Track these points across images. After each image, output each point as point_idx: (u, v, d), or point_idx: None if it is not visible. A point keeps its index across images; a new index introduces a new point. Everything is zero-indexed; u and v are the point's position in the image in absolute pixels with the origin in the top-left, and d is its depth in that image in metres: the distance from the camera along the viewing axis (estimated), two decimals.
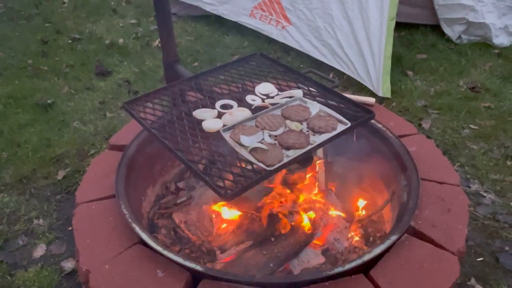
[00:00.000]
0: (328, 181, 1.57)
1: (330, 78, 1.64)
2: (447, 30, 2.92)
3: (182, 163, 1.13)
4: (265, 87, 1.51)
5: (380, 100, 2.33)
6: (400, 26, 2.98)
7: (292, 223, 1.43)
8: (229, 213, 1.45)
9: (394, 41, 2.88)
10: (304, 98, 1.44)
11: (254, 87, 1.52)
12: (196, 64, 2.67)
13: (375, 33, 2.39)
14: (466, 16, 2.80)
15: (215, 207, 1.47)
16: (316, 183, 1.56)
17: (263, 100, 1.45)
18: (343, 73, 2.52)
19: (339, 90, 2.45)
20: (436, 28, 2.98)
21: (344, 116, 1.35)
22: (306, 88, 1.50)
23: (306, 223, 1.44)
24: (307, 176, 1.57)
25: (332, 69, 2.56)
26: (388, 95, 2.34)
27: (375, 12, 2.40)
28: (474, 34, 2.87)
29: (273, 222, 1.42)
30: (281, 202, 1.48)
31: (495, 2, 2.78)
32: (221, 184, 1.06)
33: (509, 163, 1.95)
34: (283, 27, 2.74)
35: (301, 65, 2.65)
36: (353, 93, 2.39)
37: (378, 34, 2.38)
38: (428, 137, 2.11)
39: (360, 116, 1.35)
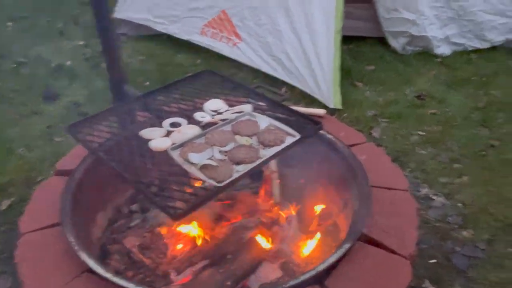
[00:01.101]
0: (282, 194, 1.57)
1: (279, 92, 1.66)
2: (392, 42, 3.05)
3: (130, 185, 1.10)
4: (215, 104, 1.51)
5: (332, 111, 2.38)
6: (348, 40, 3.08)
7: (248, 239, 1.42)
8: (183, 233, 1.42)
9: (343, 54, 2.97)
10: (253, 113, 1.44)
11: (203, 104, 1.51)
12: (147, 83, 2.64)
13: (323, 46, 2.46)
14: (409, 29, 2.93)
15: (169, 228, 1.44)
16: (271, 196, 1.56)
17: (212, 116, 1.45)
18: (295, 87, 2.56)
19: (291, 103, 2.49)
20: (382, 40, 3.10)
21: (293, 129, 1.36)
22: (255, 103, 1.51)
23: (262, 237, 1.43)
24: (261, 189, 1.57)
25: (285, 83, 2.60)
26: (339, 106, 2.40)
27: (321, 26, 2.47)
28: (418, 45, 3.01)
29: (229, 239, 1.40)
30: (236, 218, 1.46)
31: (437, 13, 2.92)
32: (170, 204, 1.04)
33: (456, 166, 2.03)
34: (234, 44, 2.77)
35: (254, 80, 2.68)
36: (306, 106, 2.43)
37: (326, 47, 2.45)
38: (378, 145, 2.18)
39: (308, 128, 1.37)
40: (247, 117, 1.41)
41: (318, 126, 1.38)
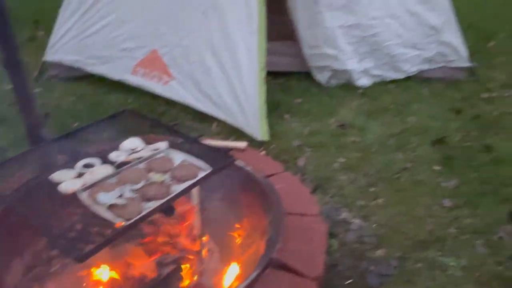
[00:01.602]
0: (203, 226, 1.62)
1: (202, 128, 1.73)
2: (317, 76, 3.25)
3: (36, 230, 1.12)
4: (132, 143, 1.56)
5: (260, 143, 2.49)
6: (279, 75, 3.26)
7: (168, 274, 1.45)
8: (101, 274, 1.42)
9: (274, 89, 3.14)
10: (169, 150, 1.51)
11: (120, 144, 1.56)
12: (76, 124, 2.64)
13: (249, 82, 2.58)
14: (331, 64, 3.14)
15: (87, 271, 1.44)
16: (191, 229, 1.61)
17: (128, 155, 1.49)
18: (226, 121, 2.65)
19: (221, 137, 2.58)
20: (309, 74, 3.29)
21: (206, 163, 1.43)
22: (172, 140, 1.57)
23: (182, 273, 1.47)
24: (182, 223, 1.62)
25: (216, 118, 2.69)
26: (267, 138, 2.51)
27: (246, 64, 2.60)
28: (340, 78, 3.22)
29: (148, 276, 1.43)
30: (155, 254, 1.49)
31: (354, 48, 3.16)
32: (76, 246, 1.07)
33: (372, 189, 2.18)
34: (165, 82, 2.84)
35: (186, 117, 2.75)
36: (236, 139, 2.53)
37: (252, 83, 2.58)
38: (303, 173, 2.30)
39: (221, 161, 1.45)
40: (162, 154, 1.48)
41: (229, 159, 1.47)
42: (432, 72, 3.24)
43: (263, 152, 2.46)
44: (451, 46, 3.17)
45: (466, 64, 3.23)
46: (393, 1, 3.04)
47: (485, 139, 2.53)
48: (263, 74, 2.62)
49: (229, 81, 2.63)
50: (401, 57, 3.17)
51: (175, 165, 1.44)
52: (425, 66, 3.24)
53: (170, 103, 2.82)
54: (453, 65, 3.23)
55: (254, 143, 2.48)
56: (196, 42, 2.76)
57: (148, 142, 1.57)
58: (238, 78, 2.62)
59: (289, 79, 3.28)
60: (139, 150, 1.51)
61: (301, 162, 2.40)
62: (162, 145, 1.52)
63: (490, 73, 3.30)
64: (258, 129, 2.52)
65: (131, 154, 1.50)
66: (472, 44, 3.73)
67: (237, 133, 2.60)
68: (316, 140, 2.59)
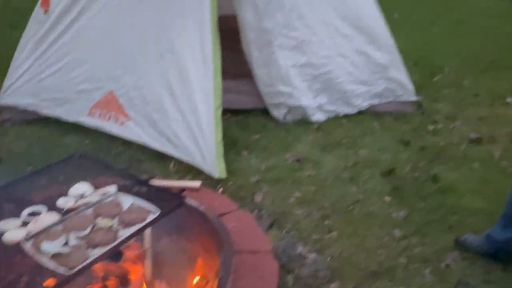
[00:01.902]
0: (155, 269, 1.62)
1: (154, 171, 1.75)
2: (274, 112, 3.34)
3: None
4: (80, 187, 1.56)
5: (218, 181, 2.52)
6: (237, 112, 3.34)
7: None
8: None
9: (232, 126, 3.21)
10: (118, 193, 1.51)
11: (68, 189, 1.55)
12: (30, 168, 2.59)
13: (205, 121, 2.63)
14: (287, 101, 3.25)
15: None
16: (143, 274, 1.60)
17: (76, 201, 1.49)
18: (183, 160, 2.67)
19: (179, 176, 2.60)
20: (266, 111, 3.38)
21: (156, 205, 1.45)
22: (122, 183, 1.58)
23: None
24: (133, 267, 1.60)
25: (173, 158, 2.71)
26: (224, 176, 2.55)
27: (202, 103, 2.66)
28: (296, 114, 3.33)
29: None
30: None
31: (308, 86, 3.29)
32: None
33: (326, 222, 2.24)
34: (122, 123, 2.85)
35: (143, 157, 2.76)
36: (193, 178, 2.55)
37: (208, 122, 2.63)
38: (260, 209, 2.33)
39: (170, 203, 1.47)
40: (111, 198, 1.48)
41: (179, 201, 1.49)
42: (382, 106, 3.41)
43: (221, 190, 2.49)
44: (398, 82, 3.36)
45: (413, 98, 3.42)
46: (342, 41, 3.21)
47: (432, 169, 2.66)
48: (219, 112, 2.69)
49: (185, 120, 2.68)
50: (352, 93, 3.33)
51: (124, 209, 1.45)
52: (375, 101, 3.40)
53: (127, 144, 2.82)
54: (401, 99, 3.41)
55: (211, 181, 2.51)
56: (153, 82, 2.80)
57: (98, 186, 1.57)
58: (194, 117, 2.67)
59: (247, 116, 3.36)
60: (88, 195, 1.52)
61: (258, 197, 2.44)
62: (111, 189, 1.53)
63: (436, 105, 3.50)
64: (215, 167, 2.55)
65: (79, 199, 1.50)
66: (419, 78, 3.98)
67: (194, 171, 2.62)
68: (273, 175, 2.65)
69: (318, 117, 3.33)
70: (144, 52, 2.85)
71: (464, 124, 3.21)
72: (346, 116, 3.36)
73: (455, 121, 3.28)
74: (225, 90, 2.84)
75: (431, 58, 4.54)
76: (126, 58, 2.89)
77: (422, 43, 5.15)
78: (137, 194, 1.50)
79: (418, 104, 3.44)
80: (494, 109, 3.52)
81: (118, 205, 1.44)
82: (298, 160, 2.83)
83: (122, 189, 1.52)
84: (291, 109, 3.30)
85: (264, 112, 3.38)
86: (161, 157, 2.73)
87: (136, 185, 1.56)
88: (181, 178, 2.58)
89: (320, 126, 3.26)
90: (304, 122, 3.30)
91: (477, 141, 2.99)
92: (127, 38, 2.89)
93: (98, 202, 1.44)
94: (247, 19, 3.13)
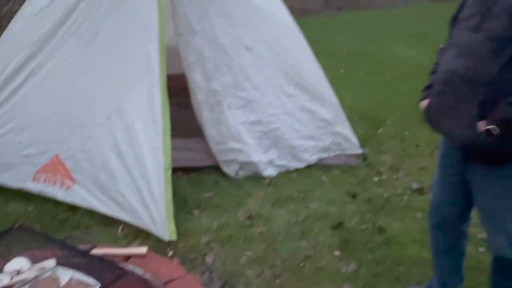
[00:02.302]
0: None
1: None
2: (226, 169, 3.38)
3: None
4: (17, 263, 1.50)
5: (167, 243, 2.48)
6: (189, 170, 3.35)
7: None
8: None
9: (183, 184, 3.21)
10: (56, 268, 1.47)
11: (4, 265, 1.49)
12: None
13: (155, 182, 2.63)
14: (238, 157, 3.32)
15: None
16: None
17: (12, 278, 1.43)
18: (132, 224, 2.62)
19: (127, 240, 2.53)
20: (218, 168, 3.42)
21: (97, 278, 1.41)
22: (61, 256, 1.54)
23: None
24: None
25: (122, 221, 2.65)
26: (174, 237, 2.51)
27: (151, 164, 2.66)
28: (248, 170, 3.39)
29: None
30: None
31: (258, 142, 3.38)
32: None
33: (277, 281, 2.24)
34: (68, 187, 2.79)
35: (90, 222, 2.68)
36: (142, 241, 2.50)
37: (158, 182, 2.62)
38: (211, 271, 2.30)
39: (112, 275, 1.44)
40: (48, 273, 1.43)
41: (120, 271, 1.47)
42: (330, 159, 3.54)
43: (171, 253, 2.45)
44: (343, 136, 3.52)
45: (359, 151, 3.58)
46: (287, 100, 3.36)
47: (378, 220, 2.76)
48: (169, 172, 2.69)
49: (134, 182, 2.66)
50: (300, 148, 3.44)
51: (61, 284, 1.40)
52: (323, 155, 3.53)
53: (74, 209, 2.75)
54: (347, 152, 3.56)
55: (161, 244, 2.47)
56: (100, 144, 2.79)
57: (35, 260, 1.52)
58: (143, 179, 2.65)
59: (199, 174, 3.38)
60: (24, 271, 1.46)
61: (209, 259, 2.41)
62: (49, 263, 1.49)
63: (380, 157, 3.67)
64: (165, 229, 2.52)
65: (15, 276, 1.44)
66: (364, 131, 4.19)
67: (144, 234, 2.57)
68: (225, 234, 2.64)
69: (269, 172, 3.40)
70: (91, 114, 2.85)
71: (406, 175, 3.38)
72: (297, 170, 3.45)
73: (398, 171, 3.44)
74: (176, 149, 2.87)
75: (375, 111, 4.81)
76: (73, 120, 2.87)
77: (366, 97, 5.47)
78: (77, 267, 1.46)
79: (363, 157, 3.60)
80: (433, 158, 3.72)
81: (56, 280, 1.39)
82: (250, 217, 2.85)
83: (61, 262, 1.47)
84: (242, 165, 3.36)
85: (216, 169, 3.41)
86: (110, 221, 2.67)
87: (76, 256, 1.52)
88: (130, 242, 2.52)
89: (272, 181, 3.32)
90: (256, 177, 3.36)
91: (419, 190, 3.14)
92: (74, 100, 2.89)
93: (34, 278, 1.39)
94: (196, 80, 3.24)
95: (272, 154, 3.43)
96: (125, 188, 2.67)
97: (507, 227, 1.66)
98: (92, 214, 2.71)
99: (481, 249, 2.42)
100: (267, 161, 3.41)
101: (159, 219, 2.56)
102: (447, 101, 1.65)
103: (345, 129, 3.54)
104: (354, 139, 3.56)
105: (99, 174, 2.75)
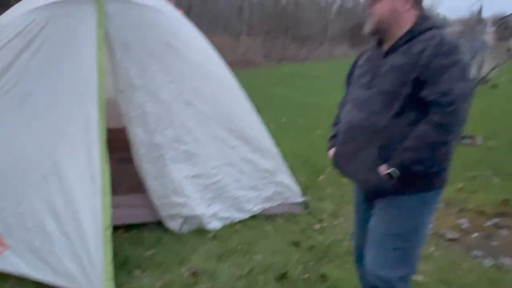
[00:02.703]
0: None
1: None
2: (169, 224, 3.34)
3: None
4: None
5: None
6: (130, 227, 3.26)
7: None
8: None
9: (124, 243, 3.11)
10: None
11: None
12: None
13: (93, 244, 2.54)
14: (181, 211, 3.29)
15: None
16: None
17: None
18: None
19: None
20: (161, 223, 3.36)
21: None
22: None
23: None
24: None
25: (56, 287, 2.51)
26: None
27: (90, 225, 2.58)
28: (192, 224, 3.36)
29: None
30: None
31: (201, 195, 3.39)
32: None
33: None
34: None
35: None
36: None
37: (96, 244, 2.53)
38: None
39: None
40: None
41: None
42: (273, 209, 3.60)
43: None
44: (285, 185, 3.62)
45: (300, 199, 3.69)
46: (229, 152, 3.44)
47: (320, 268, 2.81)
48: (109, 232, 2.62)
49: (71, 245, 2.55)
50: (243, 199, 3.49)
51: None
52: (267, 204, 3.59)
53: (3, 277, 2.57)
54: (290, 201, 3.65)
55: None
56: (35, 207, 2.67)
57: None
58: (81, 241, 2.55)
59: (141, 231, 3.30)
60: None
61: None
62: None
63: (321, 204, 3.79)
64: None
65: None
66: (305, 179, 4.33)
67: None
68: None
69: (214, 225, 3.39)
70: (25, 175, 2.74)
71: (346, 220, 3.50)
72: (241, 221, 3.47)
73: (338, 217, 3.56)
74: (117, 206, 2.81)
75: (315, 158, 5.00)
76: (5, 182, 2.74)
77: (307, 144, 5.69)
78: None
79: (305, 204, 3.70)
80: None
81: None
82: (194, 273, 2.80)
83: None
84: (186, 219, 3.33)
85: (159, 224, 3.35)
86: None
87: None
88: None
89: (216, 234, 3.31)
90: (200, 231, 3.33)
91: None
92: (6, 161, 2.78)
93: None
94: (138, 135, 3.24)
95: (216, 207, 3.44)
96: (62, 252, 2.55)
97: (389, 254, 1.85)
98: (24, 281, 2.55)
99: None
100: (211, 214, 3.41)
101: (97, 282, 2.45)
102: (350, 148, 1.86)
103: (286, 178, 3.65)
104: (295, 188, 3.67)
105: (33, 239, 2.61)
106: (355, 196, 2.10)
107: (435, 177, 1.80)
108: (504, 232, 3.45)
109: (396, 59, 1.76)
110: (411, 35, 1.76)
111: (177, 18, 3.55)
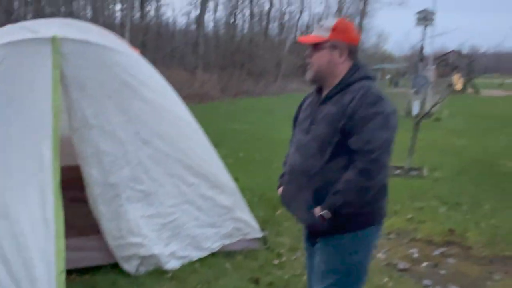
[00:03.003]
0: None
1: None
2: (125, 266, 3.25)
3: None
4: None
5: None
6: (84, 271, 3.15)
7: None
8: None
9: (77, 287, 2.99)
10: None
11: None
12: None
13: None
14: (138, 251, 3.23)
15: None
16: None
17: None
18: None
19: None
20: (117, 265, 3.27)
21: None
22: None
23: None
24: None
25: None
26: None
27: (42, 271, 2.49)
28: (149, 264, 3.29)
29: None
30: None
31: (158, 235, 3.34)
32: None
33: None
34: None
35: None
36: None
37: None
38: None
39: None
40: None
41: None
42: (232, 245, 3.61)
43: None
44: (243, 221, 3.65)
45: (259, 234, 3.72)
46: (187, 189, 3.44)
47: None
48: (63, 276, 2.53)
49: None
50: (202, 236, 3.47)
51: None
52: (226, 241, 3.59)
53: None
54: (248, 237, 3.67)
55: None
56: None
57: None
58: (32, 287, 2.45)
59: (95, 274, 3.19)
60: None
61: None
62: None
63: (279, 239, 3.84)
64: None
65: None
66: (263, 213, 4.38)
67: None
68: None
69: (172, 264, 3.34)
70: None
71: (303, 255, 3.52)
72: (200, 259, 3.44)
73: (296, 251, 3.62)
74: (70, 249, 2.74)
75: (272, 193, 5.04)
76: None
77: (264, 179, 5.76)
78: None
79: (264, 240, 3.74)
80: None
81: None
82: None
83: None
84: (143, 259, 3.27)
85: (114, 266, 3.26)
86: None
87: None
88: None
89: (174, 274, 3.26)
90: (157, 272, 3.27)
91: None
92: None
93: None
94: (92, 175, 3.19)
95: (174, 246, 3.40)
96: None
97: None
98: None
99: None
100: (169, 254, 3.36)
101: None
102: (292, 189, 2.00)
103: (245, 214, 3.68)
104: (254, 223, 3.70)
105: None
106: (303, 234, 2.19)
107: (369, 216, 1.91)
108: (451, 261, 3.63)
109: (330, 107, 1.91)
110: (343, 85, 1.92)
111: (134, 57, 3.59)
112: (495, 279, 3.33)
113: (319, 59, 1.94)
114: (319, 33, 1.96)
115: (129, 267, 3.24)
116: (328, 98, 1.94)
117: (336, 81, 1.94)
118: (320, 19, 40.36)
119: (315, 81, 2.00)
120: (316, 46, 1.95)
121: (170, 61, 23.43)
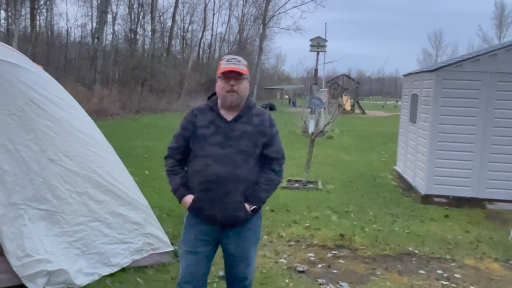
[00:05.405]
0: None
1: None
2: (31, 285, 3.15)
3: None
4: None
5: None
6: None
7: None
8: None
9: None
10: None
11: None
12: None
13: None
14: (45, 267, 3.15)
15: None
16: None
17: None
18: None
19: None
20: (23, 286, 3.14)
21: None
22: None
23: None
24: None
25: None
26: None
27: None
28: (57, 282, 3.23)
29: None
30: None
31: (64, 252, 3.29)
32: None
33: None
34: None
35: None
36: None
37: None
38: None
39: None
40: None
41: None
42: (143, 260, 3.67)
43: None
44: (154, 236, 3.74)
45: (169, 248, 3.84)
46: (96, 207, 3.43)
47: None
48: None
49: None
50: (111, 253, 3.49)
51: None
52: (136, 256, 3.65)
53: None
54: (160, 251, 3.77)
55: None
56: None
57: None
58: None
59: None
60: None
61: None
62: None
63: None
64: None
65: None
66: (173, 228, 4.50)
67: None
68: None
69: (80, 280, 3.31)
70: None
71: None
72: (111, 275, 3.45)
73: None
74: None
75: (180, 208, 5.20)
76: None
77: (171, 196, 5.83)
78: None
79: (175, 253, 3.87)
80: None
81: None
82: None
83: None
84: (51, 276, 3.19)
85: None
86: None
87: None
88: None
89: None
90: None
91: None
92: None
93: None
94: None
95: (81, 264, 3.37)
96: None
97: (250, 269, 2.54)
98: None
99: None
100: (78, 270, 3.33)
101: None
102: (217, 194, 2.35)
103: (155, 229, 3.78)
104: (164, 238, 3.82)
105: None
106: (199, 233, 2.46)
107: None
108: (341, 261, 4.13)
109: (245, 127, 2.39)
110: (248, 108, 2.45)
111: (38, 74, 3.53)
112: (377, 274, 3.88)
113: (245, 88, 2.41)
114: (242, 67, 2.37)
115: (35, 286, 3.15)
116: (238, 118, 2.41)
117: (243, 104, 2.44)
118: (223, 39, 41.42)
119: (236, 106, 2.40)
120: (241, 76, 2.37)
121: (63, 75, 22.13)
